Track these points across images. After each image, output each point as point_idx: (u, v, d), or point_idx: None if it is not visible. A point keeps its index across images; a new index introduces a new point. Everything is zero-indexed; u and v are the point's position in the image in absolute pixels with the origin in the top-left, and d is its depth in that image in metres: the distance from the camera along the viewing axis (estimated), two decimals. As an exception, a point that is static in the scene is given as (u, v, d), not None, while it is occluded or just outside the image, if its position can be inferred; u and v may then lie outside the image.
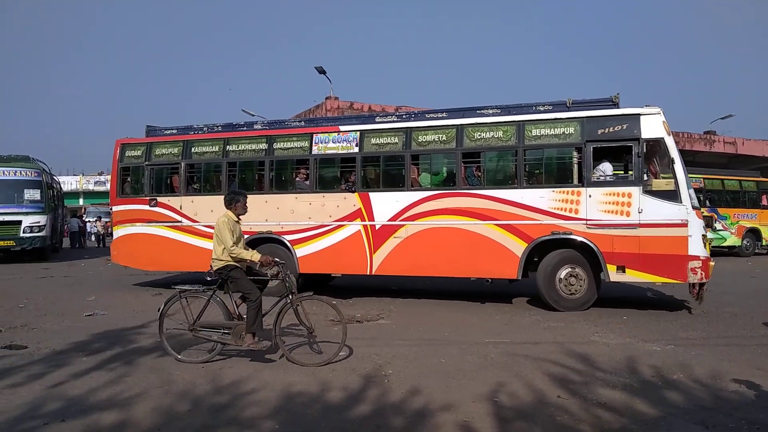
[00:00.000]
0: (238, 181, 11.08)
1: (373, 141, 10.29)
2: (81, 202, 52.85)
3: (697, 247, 8.59)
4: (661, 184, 8.79)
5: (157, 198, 11.48)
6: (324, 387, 5.21)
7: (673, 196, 8.66)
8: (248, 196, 10.07)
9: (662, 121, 8.87)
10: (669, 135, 8.86)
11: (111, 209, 12.08)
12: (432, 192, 9.87)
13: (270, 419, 4.43)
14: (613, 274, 8.91)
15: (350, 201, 10.26)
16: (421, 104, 20.42)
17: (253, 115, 28.09)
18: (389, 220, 10.03)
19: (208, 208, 10.92)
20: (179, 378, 5.52)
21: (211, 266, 6.23)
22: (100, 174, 59.92)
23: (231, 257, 6.07)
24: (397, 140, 10.14)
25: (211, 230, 9.76)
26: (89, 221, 33.88)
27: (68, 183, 52.73)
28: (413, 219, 9.87)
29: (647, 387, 5.28)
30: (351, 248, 10.22)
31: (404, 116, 10.54)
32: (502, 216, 9.43)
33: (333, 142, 10.47)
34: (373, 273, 10.19)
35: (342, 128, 10.49)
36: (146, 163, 11.59)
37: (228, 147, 11.14)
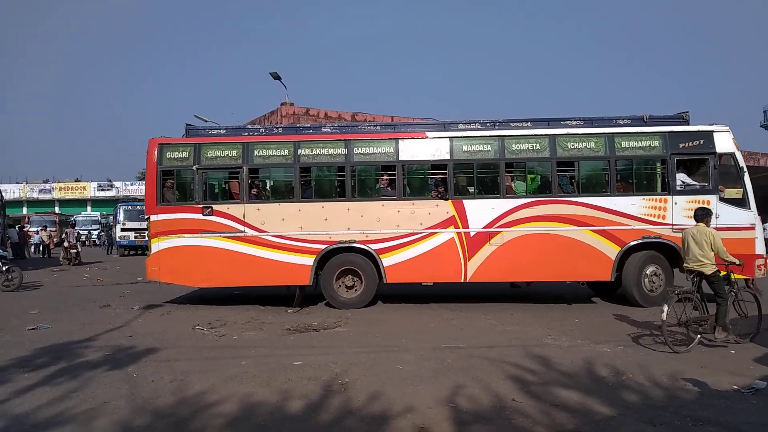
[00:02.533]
0: (313, 187, 10.45)
1: (465, 148, 10.19)
2: (24, 211, 50.74)
3: (761, 247, 9.92)
4: (732, 192, 9.94)
5: (213, 206, 10.24)
6: (281, 397, 5.12)
7: (742, 203, 9.91)
8: (328, 203, 10.10)
9: (732, 138, 10.02)
10: (738, 150, 10.02)
11: (148, 218, 10.41)
12: (528, 199, 10.10)
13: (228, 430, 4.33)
14: None
15: (443, 208, 10.11)
16: (374, 111, 20.47)
17: (206, 121, 27.55)
18: (484, 227, 10.06)
19: (278, 217, 10.18)
20: (132, 391, 5.33)
21: (692, 269, 7.14)
22: (46, 182, 57.82)
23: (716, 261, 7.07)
24: (489, 148, 10.18)
25: (282, 240, 10.20)
26: (32, 231, 32.53)
27: (10, 191, 50.67)
28: (509, 226, 10.03)
29: (600, 387, 5.41)
30: (444, 256, 10.07)
31: (488, 124, 10.48)
32: (595, 222, 9.97)
33: (421, 148, 10.26)
34: (467, 281, 10.15)
35: (429, 134, 10.30)
36: (196, 166, 10.25)
37: (300, 150, 10.26)
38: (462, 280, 10.14)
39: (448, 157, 10.14)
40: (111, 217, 34.27)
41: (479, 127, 10.46)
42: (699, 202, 9.75)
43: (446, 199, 10.12)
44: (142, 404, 4.98)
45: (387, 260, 10.12)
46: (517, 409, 4.80)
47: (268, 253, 10.13)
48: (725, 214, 9.81)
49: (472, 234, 10.06)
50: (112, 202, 45.18)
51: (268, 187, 10.73)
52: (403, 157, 10.17)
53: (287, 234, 10.10)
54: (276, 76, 20.35)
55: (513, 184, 10.38)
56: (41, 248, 29.87)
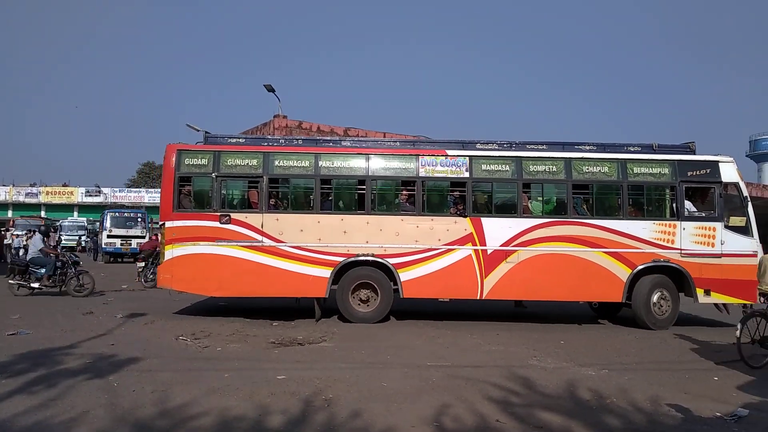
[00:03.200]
0: (333, 199, 10.40)
1: (484, 167, 10.36)
2: (10, 214, 50.14)
3: None
4: (736, 220, 10.31)
5: (231, 214, 10.12)
6: (263, 411, 5.07)
7: (745, 231, 10.32)
8: (347, 215, 10.11)
9: (736, 168, 10.55)
10: (742, 180, 10.58)
11: (162, 225, 10.20)
12: (544, 220, 10.29)
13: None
14: (701, 297, 10.21)
15: (461, 225, 10.22)
16: (368, 126, 20.59)
17: (198, 130, 27.50)
18: (501, 246, 10.18)
19: (297, 228, 10.11)
20: (112, 401, 5.25)
21: (765, 291, 8.24)
22: (33, 185, 57.27)
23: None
24: (508, 168, 10.36)
25: (299, 251, 10.07)
26: (17, 235, 32.11)
27: (-4, 194, 50.19)
28: (526, 245, 10.18)
29: (583, 410, 5.41)
30: (461, 272, 10.14)
31: (504, 145, 10.68)
32: (608, 244, 10.22)
33: (441, 166, 10.33)
34: (483, 297, 10.23)
35: (449, 152, 10.40)
36: (215, 173, 10.16)
37: (320, 162, 10.24)
38: (478, 297, 10.23)
39: (467, 175, 10.29)
40: (97, 223, 33.95)
41: (496, 147, 10.66)
42: (706, 228, 10.30)
43: (465, 216, 10.24)
44: (122, 415, 4.91)
45: (404, 275, 10.14)
46: (500, 430, 4.79)
47: (285, 263, 10.06)
48: (730, 241, 10.28)
49: (489, 252, 10.19)
50: (100, 208, 44.82)
51: (287, 198, 10.59)
52: (423, 173, 10.28)
53: (305, 245, 10.07)
54: (270, 89, 20.40)
55: (530, 204, 10.54)
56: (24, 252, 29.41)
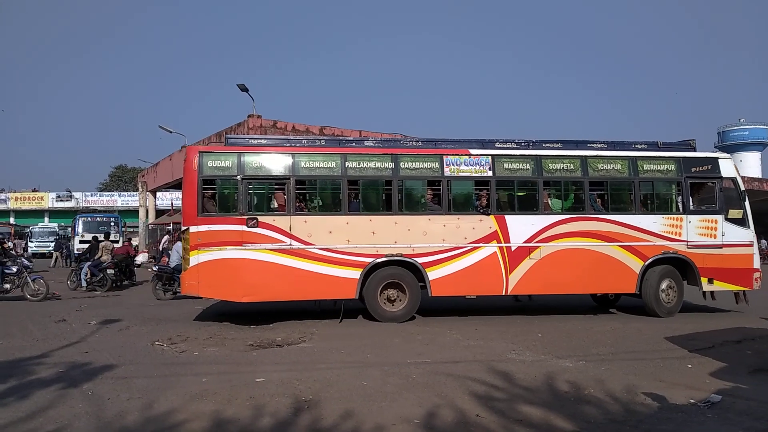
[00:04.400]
0: (361, 200, 10.37)
1: (506, 166, 10.63)
2: (-24, 221, 48.84)
3: (757, 262, 11.08)
4: (735, 213, 10.99)
5: (258, 217, 9.90)
6: (242, 415, 5.01)
7: (743, 222, 11.01)
8: (375, 216, 10.05)
9: (734, 165, 11.34)
10: (739, 175, 11.33)
11: (186, 230, 9.84)
12: (564, 216, 10.66)
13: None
14: (705, 285, 10.86)
15: (486, 223, 10.41)
16: (345, 125, 20.49)
17: (171, 132, 27.17)
18: (524, 242, 10.46)
19: (326, 229, 10.03)
20: (87, 410, 5.14)
21: None
22: (1, 191, 55.96)
23: None
24: (528, 166, 10.70)
25: (329, 253, 9.98)
26: None
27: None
28: (547, 241, 10.52)
29: (562, 402, 5.47)
30: (486, 270, 10.34)
31: (522, 144, 10.99)
32: (622, 238, 10.70)
33: (465, 165, 10.49)
34: (508, 293, 10.53)
35: (472, 152, 10.58)
36: (240, 176, 9.95)
37: (348, 163, 10.22)
38: (503, 293, 10.49)
39: (490, 174, 10.52)
40: (69, 229, 33.25)
41: (514, 146, 10.95)
42: (709, 221, 10.98)
43: (489, 215, 10.44)
44: (97, 424, 4.81)
45: (432, 274, 10.24)
46: (481, 424, 4.81)
47: (314, 266, 9.95)
48: (729, 232, 10.96)
49: (513, 248, 10.44)
50: (71, 213, 43.91)
51: (315, 199, 10.46)
52: (448, 172, 10.42)
53: (334, 247, 10.02)
54: (243, 88, 20.21)
55: (549, 201, 10.85)
56: None
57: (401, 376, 6.41)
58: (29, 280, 13.76)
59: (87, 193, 54.71)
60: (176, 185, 29.28)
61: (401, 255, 10.17)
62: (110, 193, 57.40)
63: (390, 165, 10.35)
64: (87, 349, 7.94)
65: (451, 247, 10.28)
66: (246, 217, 9.87)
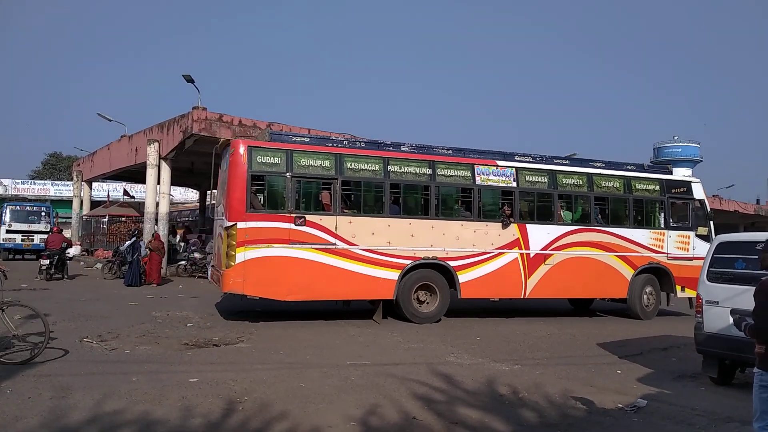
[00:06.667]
0: (402, 203, 10.62)
1: (527, 178, 11.35)
2: None
3: None
4: (702, 230, 12.43)
5: (306, 216, 9.79)
6: (172, 416, 4.84)
7: (707, 238, 12.02)
8: (414, 220, 10.61)
9: (702, 188, 12.80)
10: (706, 197, 12.97)
11: (233, 226, 9.50)
12: (574, 227, 11.60)
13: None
14: (679, 292, 12.10)
15: (510, 231, 11.02)
16: (293, 121, 20.20)
17: (110, 120, 26.11)
18: (541, 249, 11.21)
19: (369, 231, 10.13)
20: (3, 410, 4.83)
21: None
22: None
23: None
24: (546, 180, 11.49)
25: (371, 254, 10.15)
26: None
27: None
28: (559, 249, 11.34)
29: (499, 405, 5.57)
30: (509, 274, 10.97)
31: (537, 158, 11.77)
32: (618, 248, 11.77)
33: (493, 175, 11.08)
34: (526, 297, 11.17)
35: (499, 163, 11.19)
36: (290, 173, 9.81)
37: (389, 167, 10.39)
38: (522, 297, 11.16)
39: (514, 185, 11.21)
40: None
41: (531, 160, 11.66)
42: (684, 236, 12.35)
43: (513, 222, 11.03)
44: (15, 424, 4.53)
45: (462, 277, 10.65)
46: (419, 426, 4.83)
47: (356, 266, 10.03)
48: (698, 246, 12.14)
49: (531, 255, 11.14)
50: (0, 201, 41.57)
51: (360, 201, 10.49)
52: (478, 181, 10.96)
53: (376, 248, 10.16)
54: (189, 79, 19.63)
55: (562, 213, 11.74)
56: None
57: (340, 377, 6.37)
58: None
59: (17, 181, 51.74)
60: (113, 176, 28.20)
61: (436, 258, 10.54)
62: (42, 181, 54.51)
63: (428, 171, 10.71)
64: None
65: (480, 252, 10.82)
66: (294, 215, 9.77)
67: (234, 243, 9.50)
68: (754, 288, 3.89)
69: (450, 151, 11.28)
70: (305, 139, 10.69)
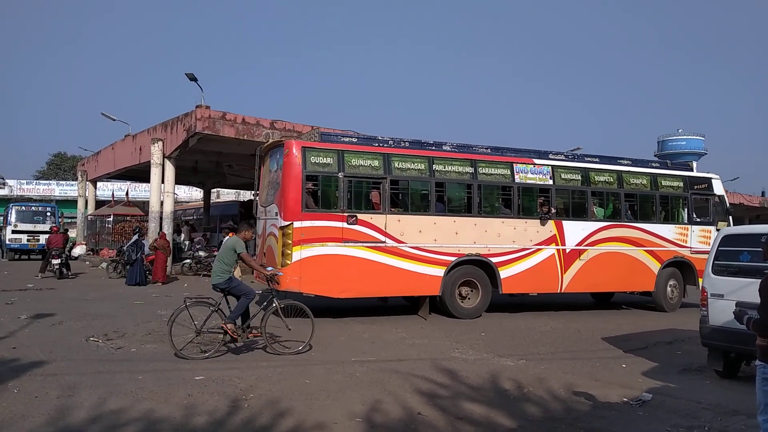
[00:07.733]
0: (446, 202, 10.80)
1: (563, 176, 11.70)
2: None
3: None
4: (722, 225, 12.51)
5: (358, 215, 10.03)
6: (178, 414, 4.87)
7: None
8: (459, 217, 10.92)
9: (722, 184, 13.27)
10: (726, 193, 13.37)
11: (289, 225, 9.67)
12: (606, 223, 11.97)
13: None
14: (701, 284, 11.55)
15: (548, 227, 11.35)
16: (295, 118, 20.19)
17: (114, 119, 26.18)
18: (576, 245, 11.57)
19: (416, 229, 10.38)
20: (11, 409, 4.86)
21: None
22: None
23: None
24: (579, 177, 11.84)
25: (418, 252, 10.38)
26: None
27: None
28: (592, 245, 11.72)
29: (503, 400, 5.57)
30: (546, 269, 11.30)
31: (569, 156, 12.41)
32: (647, 243, 12.20)
33: (531, 173, 11.41)
34: (562, 291, 11.54)
35: (536, 161, 11.54)
36: (342, 173, 10.04)
37: (434, 166, 10.67)
38: (558, 291, 11.53)
39: (551, 182, 11.54)
40: (1, 218, 31.56)
41: (563, 158, 12.15)
42: (705, 231, 12.75)
43: (551, 219, 11.34)
44: (22, 423, 4.56)
45: (504, 272, 10.95)
46: (424, 422, 4.84)
47: (405, 263, 10.25)
48: None
49: (567, 251, 11.48)
50: (4, 202, 41.68)
51: (407, 199, 10.78)
52: (518, 179, 11.27)
53: (423, 246, 10.39)
54: (192, 77, 19.64)
55: (594, 209, 12.04)
56: None
57: (345, 374, 6.39)
58: None
59: (22, 181, 51.95)
60: (118, 175, 28.23)
61: (479, 255, 10.79)
62: (47, 181, 54.72)
63: (470, 170, 10.98)
64: (15, 344, 7.53)
65: (519, 248, 11.10)
66: (346, 214, 10.01)
67: (290, 242, 9.70)
68: (759, 281, 3.86)
69: (489, 150, 11.52)
70: (353, 140, 10.91)
